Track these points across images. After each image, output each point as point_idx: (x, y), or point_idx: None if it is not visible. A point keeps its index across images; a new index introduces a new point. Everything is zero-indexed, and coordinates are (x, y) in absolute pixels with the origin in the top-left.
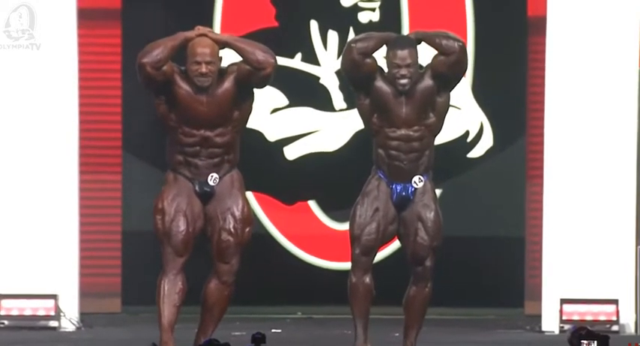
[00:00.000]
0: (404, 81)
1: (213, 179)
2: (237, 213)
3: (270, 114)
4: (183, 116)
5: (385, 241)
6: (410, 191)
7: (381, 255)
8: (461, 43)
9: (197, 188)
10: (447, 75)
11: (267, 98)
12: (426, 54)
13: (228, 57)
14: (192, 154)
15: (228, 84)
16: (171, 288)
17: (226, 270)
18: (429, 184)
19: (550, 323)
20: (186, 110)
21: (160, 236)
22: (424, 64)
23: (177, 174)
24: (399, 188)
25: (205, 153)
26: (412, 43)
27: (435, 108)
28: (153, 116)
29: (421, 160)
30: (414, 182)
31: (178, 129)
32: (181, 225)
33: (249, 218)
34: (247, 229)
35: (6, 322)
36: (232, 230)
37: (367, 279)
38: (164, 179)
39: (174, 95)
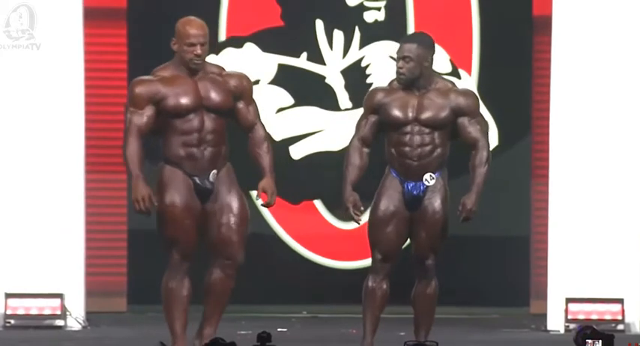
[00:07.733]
0: (400, 76)
1: (213, 175)
2: (236, 209)
3: (275, 113)
4: (178, 108)
5: (404, 242)
6: (421, 189)
7: None
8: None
9: (198, 182)
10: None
11: (272, 97)
12: (439, 55)
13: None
14: (192, 144)
15: (225, 89)
16: (180, 292)
17: (229, 264)
18: (441, 182)
19: (555, 322)
20: (182, 99)
21: (167, 240)
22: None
23: (177, 169)
24: (410, 186)
25: (204, 142)
26: (424, 40)
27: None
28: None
29: (433, 156)
30: (425, 179)
31: (178, 128)
32: (189, 232)
33: (247, 213)
34: (246, 225)
35: (12, 321)
36: (233, 225)
37: (384, 285)
38: (161, 176)
39: (165, 104)
